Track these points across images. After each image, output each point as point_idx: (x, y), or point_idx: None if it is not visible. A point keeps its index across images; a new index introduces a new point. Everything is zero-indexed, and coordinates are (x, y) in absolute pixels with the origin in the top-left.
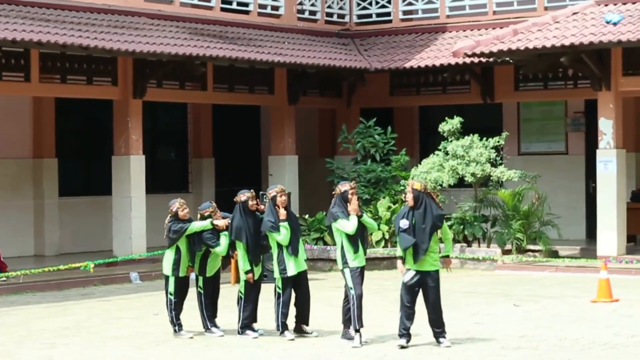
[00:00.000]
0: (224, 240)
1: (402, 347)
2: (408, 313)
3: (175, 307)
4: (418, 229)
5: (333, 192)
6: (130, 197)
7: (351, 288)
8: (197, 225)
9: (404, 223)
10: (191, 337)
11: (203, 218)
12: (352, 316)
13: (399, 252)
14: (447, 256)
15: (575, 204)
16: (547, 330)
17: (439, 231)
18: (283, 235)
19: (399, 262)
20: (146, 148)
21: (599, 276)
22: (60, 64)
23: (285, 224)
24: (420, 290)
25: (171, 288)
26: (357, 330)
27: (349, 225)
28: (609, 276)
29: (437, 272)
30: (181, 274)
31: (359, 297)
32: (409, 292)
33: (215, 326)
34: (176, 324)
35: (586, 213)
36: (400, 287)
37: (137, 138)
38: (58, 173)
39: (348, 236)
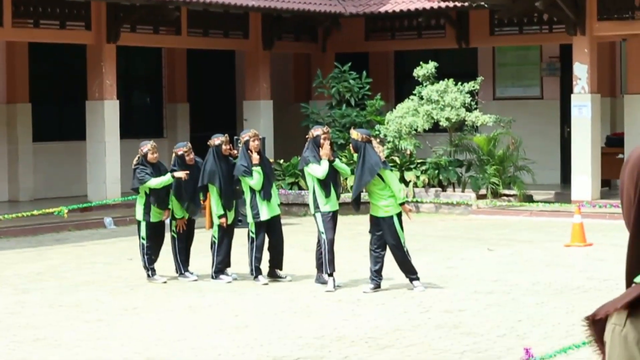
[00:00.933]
0: (167, 177)
1: (373, 290)
2: (374, 257)
3: (148, 252)
4: (356, 177)
5: (307, 137)
6: (104, 142)
7: (322, 232)
8: (154, 182)
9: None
10: (164, 282)
11: (177, 156)
12: (323, 260)
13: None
14: (402, 203)
15: (550, 148)
16: (520, 275)
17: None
18: (256, 179)
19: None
20: (120, 93)
21: (573, 220)
22: (33, 9)
23: (258, 168)
24: None
25: (143, 233)
26: (329, 274)
27: (319, 169)
28: (583, 220)
29: (390, 218)
30: (152, 219)
31: (331, 242)
32: (372, 236)
33: (189, 271)
34: (149, 268)
35: (561, 158)
36: None
37: (111, 83)
38: (32, 118)
39: (320, 181)
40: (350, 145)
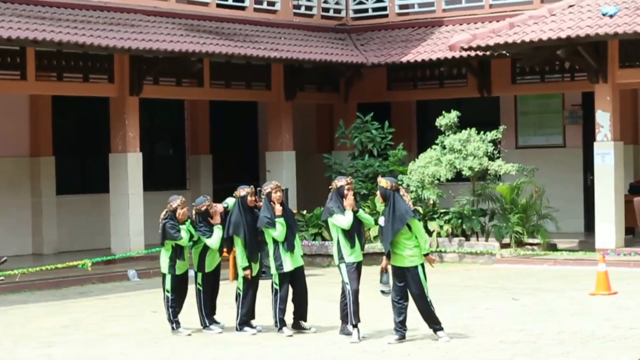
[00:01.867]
0: (217, 233)
1: (398, 340)
2: (397, 308)
3: (172, 305)
4: (385, 226)
5: (330, 187)
6: (127, 195)
7: (347, 283)
8: (214, 242)
9: (381, 220)
10: (189, 335)
11: (199, 213)
12: (348, 312)
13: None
14: (427, 254)
15: (574, 196)
16: (545, 324)
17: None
18: (279, 231)
19: (384, 258)
20: (143, 145)
21: (598, 269)
22: (56, 62)
23: (281, 219)
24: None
25: (168, 285)
26: (354, 326)
27: (344, 220)
28: (607, 269)
29: (415, 268)
30: (178, 272)
31: (355, 293)
32: (394, 288)
33: (215, 322)
34: (173, 321)
35: (584, 206)
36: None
37: (134, 135)
38: (55, 171)
39: (344, 231)
40: (379, 193)
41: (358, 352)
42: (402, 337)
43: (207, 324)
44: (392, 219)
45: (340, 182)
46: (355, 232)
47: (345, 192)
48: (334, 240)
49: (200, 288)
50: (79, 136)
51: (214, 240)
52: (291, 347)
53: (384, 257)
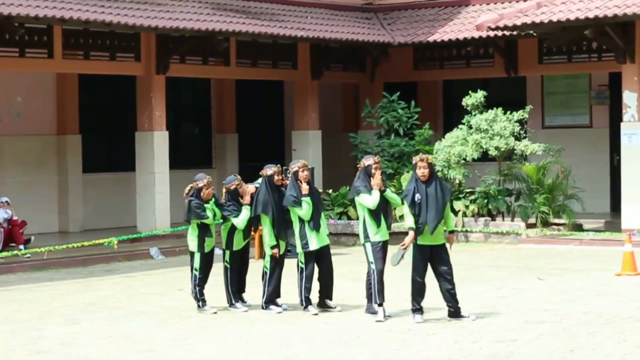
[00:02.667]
0: (245, 213)
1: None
2: (422, 288)
3: (200, 283)
4: (431, 202)
5: (358, 166)
6: (153, 173)
7: (372, 262)
8: (241, 222)
9: (417, 197)
10: (215, 312)
11: (229, 192)
12: (373, 291)
13: (409, 223)
14: (452, 232)
15: (600, 177)
16: (571, 304)
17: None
18: (305, 209)
19: (411, 233)
20: (169, 124)
21: (624, 249)
22: (83, 40)
23: (308, 198)
24: (430, 265)
25: (197, 264)
26: (379, 305)
27: (370, 199)
28: (634, 249)
29: (443, 245)
30: (206, 250)
31: (380, 272)
32: (422, 268)
33: (242, 300)
34: (200, 299)
35: (610, 186)
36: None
37: (160, 114)
38: (82, 149)
39: (370, 210)
40: (427, 170)
41: (383, 331)
42: (423, 317)
43: (234, 302)
44: (442, 195)
45: (367, 161)
46: (381, 212)
47: (373, 171)
48: (359, 219)
49: (228, 266)
50: (106, 114)
51: (241, 219)
52: (317, 325)
53: (412, 233)
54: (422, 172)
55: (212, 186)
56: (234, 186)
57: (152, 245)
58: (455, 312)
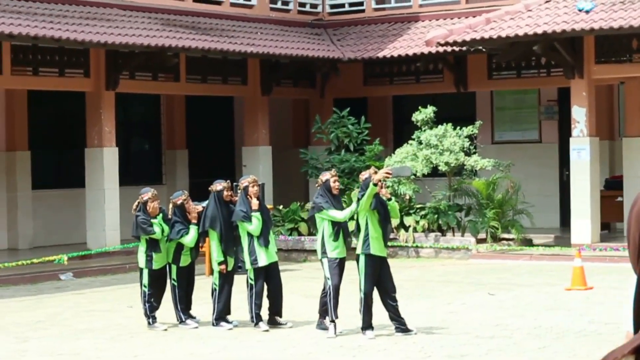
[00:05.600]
0: (192, 232)
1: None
2: (370, 304)
3: (150, 299)
4: (386, 216)
5: (317, 185)
6: (103, 190)
7: (328, 278)
8: (189, 240)
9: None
10: (165, 330)
11: (175, 207)
12: (328, 307)
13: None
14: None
15: (549, 192)
16: (521, 319)
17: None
18: (255, 225)
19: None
20: (119, 140)
21: (573, 264)
22: (32, 56)
23: (258, 214)
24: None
25: (145, 280)
26: (332, 321)
27: (340, 214)
28: (583, 264)
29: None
30: (155, 267)
31: (335, 288)
32: (372, 282)
33: (190, 317)
34: (150, 316)
35: (560, 201)
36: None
37: (110, 130)
38: (31, 166)
39: (332, 226)
40: (383, 187)
41: (334, 347)
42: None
43: (183, 319)
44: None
45: (325, 176)
46: (341, 228)
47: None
48: (318, 235)
49: (175, 283)
50: (55, 131)
51: (189, 239)
52: (267, 342)
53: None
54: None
55: (158, 199)
56: (180, 201)
57: (102, 262)
58: (402, 328)
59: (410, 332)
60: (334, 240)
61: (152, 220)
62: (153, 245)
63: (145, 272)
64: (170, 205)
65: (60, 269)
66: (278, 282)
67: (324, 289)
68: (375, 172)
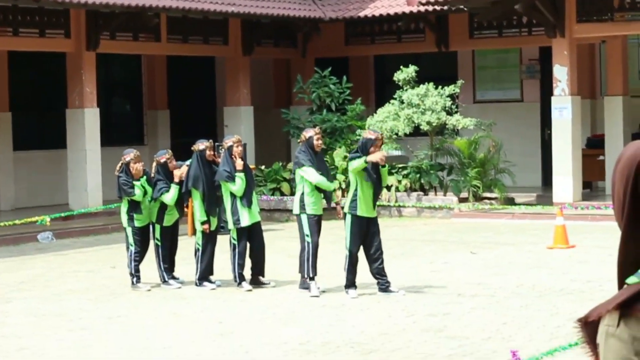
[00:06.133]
0: (173, 191)
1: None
2: (355, 263)
3: (136, 257)
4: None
5: (299, 141)
6: (85, 150)
7: (307, 235)
8: (169, 199)
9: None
10: (149, 290)
11: (159, 165)
12: (306, 265)
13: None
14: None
15: (531, 151)
16: (503, 277)
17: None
18: (238, 185)
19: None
20: (100, 101)
21: (555, 223)
22: (12, 17)
23: (242, 174)
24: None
25: (130, 239)
26: (311, 279)
27: (315, 176)
28: (565, 222)
29: (376, 219)
30: (137, 224)
31: (315, 245)
32: (358, 241)
33: (173, 278)
34: (135, 275)
35: (542, 160)
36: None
37: (91, 91)
38: (12, 127)
39: (311, 184)
40: (378, 145)
41: (317, 306)
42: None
43: (166, 279)
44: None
45: (308, 133)
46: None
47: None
48: (297, 190)
49: (159, 243)
50: (36, 92)
51: (169, 197)
52: (250, 302)
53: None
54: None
55: (140, 161)
56: (163, 159)
57: (84, 222)
58: (385, 288)
59: (393, 292)
60: (314, 196)
61: (135, 182)
62: (134, 206)
63: (129, 231)
64: (154, 164)
65: (42, 230)
66: (261, 242)
67: (302, 249)
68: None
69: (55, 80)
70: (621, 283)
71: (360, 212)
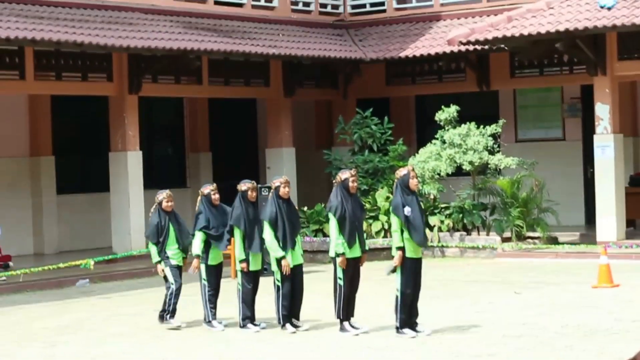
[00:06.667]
0: (197, 238)
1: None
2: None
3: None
4: (418, 215)
5: (334, 181)
6: (128, 193)
7: (340, 278)
8: (152, 250)
9: (408, 210)
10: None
11: (203, 195)
12: (337, 307)
13: (397, 242)
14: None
15: (574, 190)
16: (548, 317)
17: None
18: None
19: (399, 253)
20: (143, 143)
21: (599, 262)
22: (55, 61)
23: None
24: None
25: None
26: (343, 320)
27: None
28: (609, 261)
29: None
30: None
31: (348, 288)
32: (412, 283)
33: (215, 319)
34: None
35: (585, 199)
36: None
37: (133, 134)
38: (55, 170)
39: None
40: (413, 179)
41: (362, 347)
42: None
43: (210, 320)
44: (419, 208)
45: (344, 174)
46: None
47: (411, 180)
48: (331, 235)
49: (205, 282)
50: (79, 135)
51: (195, 246)
52: (296, 344)
53: (400, 253)
54: (416, 181)
55: (171, 200)
56: (207, 190)
57: (128, 265)
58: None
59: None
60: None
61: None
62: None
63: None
64: (199, 197)
65: (86, 273)
66: (300, 285)
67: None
68: (413, 170)
69: (98, 123)
70: None
71: (409, 253)
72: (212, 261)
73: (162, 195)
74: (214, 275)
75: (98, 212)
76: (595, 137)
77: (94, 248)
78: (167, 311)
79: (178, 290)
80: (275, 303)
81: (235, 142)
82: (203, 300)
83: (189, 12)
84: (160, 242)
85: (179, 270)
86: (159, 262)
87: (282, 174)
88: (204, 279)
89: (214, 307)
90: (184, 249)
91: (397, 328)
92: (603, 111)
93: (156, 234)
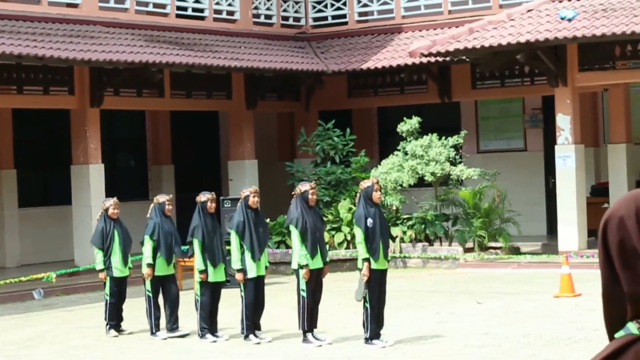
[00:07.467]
0: (146, 245)
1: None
2: (378, 314)
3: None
4: (384, 226)
5: (293, 193)
6: (90, 206)
7: (303, 290)
8: (97, 257)
9: (370, 222)
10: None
11: (158, 203)
12: (300, 318)
13: (362, 254)
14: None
15: (536, 200)
16: (510, 327)
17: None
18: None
19: (366, 264)
20: (105, 156)
21: (561, 271)
22: (16, 75)
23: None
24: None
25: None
26: (306, 331)
27: (296, 244)
28: (571, 271)
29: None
30: (115, 274)
31: (311, 300)
32: (377, 294)
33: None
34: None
35: (546, 209)
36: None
37: (95, 147)
38: (17, 184)
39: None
40: (377, 191)
41: (325, 359)
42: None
43: (154, 331)
44: (382, 221)
45: (304, 186)
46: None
47: (374, 193)
48: (294, 247)
49: (150, 294)
50: (41, 149)
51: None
52: (257, 356)
53: (367, 264)
54: (379, 194)
55: (118, 207)
56: (163, 199)
57: (90, 278)
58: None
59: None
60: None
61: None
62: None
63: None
64: (151, 205)
65: (48, 287)
66: (262, 296)
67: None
68: (378, 183)
69: (59, 136)
70: (611, 337)
71: (374, 264)
72: (158, 271)
73: (109, 202)
74: (159, 286)
75: (60, 226)
76: (556, 147)
77: (56, 261)
78: (108, 323)
79: (112, 304)
80: (241, 313)
81: (198, 155)
82: (148, 312)
83: (151, 25)
84: (105, 249)
85: (119, 281)
86: (102, 270)
87: (245, 185)
88: (148, 290)
89: (158, 319)
90: (127, 259)
91: (366, 339)
92: (564, 122)
93: (101, 239)
